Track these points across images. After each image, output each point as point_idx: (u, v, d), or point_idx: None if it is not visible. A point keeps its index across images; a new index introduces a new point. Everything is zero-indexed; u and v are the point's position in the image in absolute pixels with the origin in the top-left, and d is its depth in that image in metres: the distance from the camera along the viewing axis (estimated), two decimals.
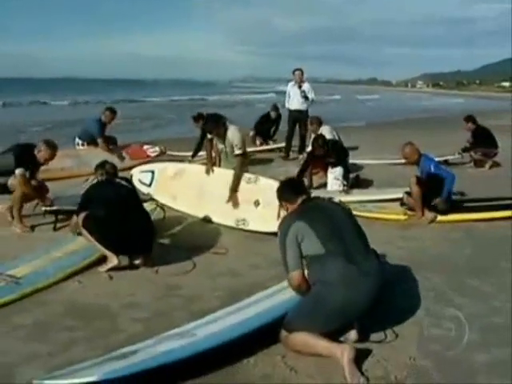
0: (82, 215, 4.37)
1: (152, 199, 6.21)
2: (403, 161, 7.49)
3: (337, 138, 8.46)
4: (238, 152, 6.16)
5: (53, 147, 5.70)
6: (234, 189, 5.96)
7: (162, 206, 5.74)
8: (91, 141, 9.12)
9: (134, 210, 4.55)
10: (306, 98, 10.35)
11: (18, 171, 5.43)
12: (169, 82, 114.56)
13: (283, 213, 3.68)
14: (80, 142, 9.24)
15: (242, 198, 5.90)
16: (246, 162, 6.34)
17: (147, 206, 5.23)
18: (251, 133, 11.68)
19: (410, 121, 22.14)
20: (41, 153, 5.62)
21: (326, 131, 8.41)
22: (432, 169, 6.00)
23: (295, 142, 10.88)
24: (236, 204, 5.91)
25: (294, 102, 10.50)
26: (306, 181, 7.74)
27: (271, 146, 11.78)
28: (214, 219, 5.97)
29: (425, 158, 6.09)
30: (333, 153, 7.57)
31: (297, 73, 10.46)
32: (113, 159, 6.86)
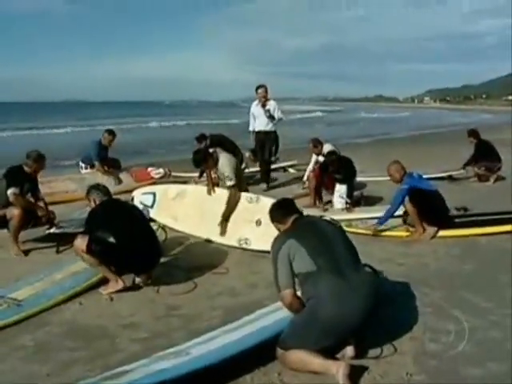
0: (85, 240, 4.34)
1: (152, 220, 6.28)
2: None
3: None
4: (228, 183, 6.18)
5: (38, 155, 5.90)
6: (225, 217, 6.04)
7: (164, 227, 5.80)
8: (94, 164, 9.25)
9: (141, 228, 4.62)
10: (271, 117, 9.30)
11: (10, 191, 5.53)
12: (184, 104, 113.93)
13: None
14: (83, 165, 9.38)
15: (243, 217, 5.96)
16: (238, 193, 6.24)
17: None
18: (247, 153, 11.33)
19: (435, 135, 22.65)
20: (29, 165, 5.81)
21: (330, 148, 8.48)
22: (402, 187, 5.96)
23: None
24: (224, 231, 6.01)
25: (259, 123, 9.42)
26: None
27: (275, 165, 11.77)
28: (217, 239, 6.02)
29: (407, 177, 6.07)
30: (342, 169, 7.66)
31: (260, 90, 9.29)
32: (109, 182, 6.96)
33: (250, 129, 9.69)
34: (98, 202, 4.70)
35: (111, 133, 9.47)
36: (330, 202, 7.82)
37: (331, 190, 7.88)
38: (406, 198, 5.97)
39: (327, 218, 3.72)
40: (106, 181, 8.27)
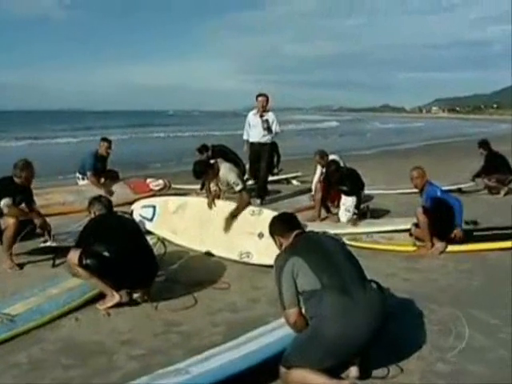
0: (77, 253, 4.39)
1: (150, 232, 6.32)
2: (413, 190, 7.67)
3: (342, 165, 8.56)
4: (238, 188, 6.26)
5: (24, 163, 5.84)
6: (233, 216, 6.14)
7: (163, 241, 5.82)
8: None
9: (137, 243, 4.64)
10: (268, 129, 9.07)
11: (2, 203, 5.51)
12: (187, 114, 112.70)
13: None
14: (80, 176, 9.42)
15: (245, 230, 5.98)
16: (248, 196, 6.39)
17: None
18: (247, 165, 11.22)
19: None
20: (17, 175, 5.76)
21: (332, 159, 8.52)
22: (439, 193, 6.10)
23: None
24: (229, 228, 6.11)
25: (255, 133, 9.18)
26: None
27: (278, 177, 11.81)
28: (217, 253, 6.03)
29: (430, 185, 6.18)
30: (347, 181, 7.67)
31: (260, 99, 9.11)
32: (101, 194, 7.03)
33: (245, 137, 9.49)
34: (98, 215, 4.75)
35: (106, 140, 9.52)
36: (336, 214, 7.85)
37: (337, 203, 7.91)
38: (420, 209, 5.99)
39: (330, 233, 3.71)
40: (98, 190, 8.39)
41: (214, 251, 6.05)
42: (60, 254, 5.58)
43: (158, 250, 5.51)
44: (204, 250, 6.13)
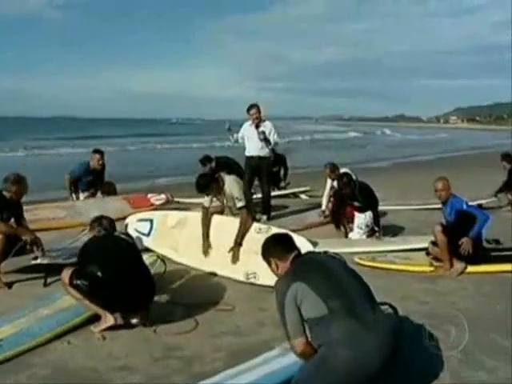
0: (68, 273, 4.41)
1: (148, 249, 6.32)
2: (429, 206, 7.62)
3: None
4: (240, 205, 6.25)
5: (16, 178, 5.85)
6: (238, 242, 6.07)
7: (163, 259, 5.80)
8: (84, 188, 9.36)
9: (132, 265, 4.64)
10: (266, 140, 8.87)
11: None
12: (191, 123, 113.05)
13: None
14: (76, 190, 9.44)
15: (252, 249, 5.92)
16: (250, 215, 6.35)
17: (146, 259, 5.31)
18: None
19: None
20: (8, 189, 5.77)
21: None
22: (465, 206, 6.08)
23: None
24: (237, 258, 6.01)
25: (252, 146, 9.00)
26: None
27: (286, 191, 11.81)
28: (222, 273, 6.01)
29: (454, 197, 6.17)
30: (360, 196, 7.68)
31: (252, 112, 8.91)
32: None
33: (239, 139, 9.29)
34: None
35: (98, 152, 9.50)
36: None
37: (350, 219, 7.90)
38: (439, 227, 5.94)
39: (330, 252, 3.62)
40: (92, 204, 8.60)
41: (218, 271, 6.04)
42: (52, 271, 5.57)
43: (157, 268, 5.51)
44: (206, 269, 6.11)
